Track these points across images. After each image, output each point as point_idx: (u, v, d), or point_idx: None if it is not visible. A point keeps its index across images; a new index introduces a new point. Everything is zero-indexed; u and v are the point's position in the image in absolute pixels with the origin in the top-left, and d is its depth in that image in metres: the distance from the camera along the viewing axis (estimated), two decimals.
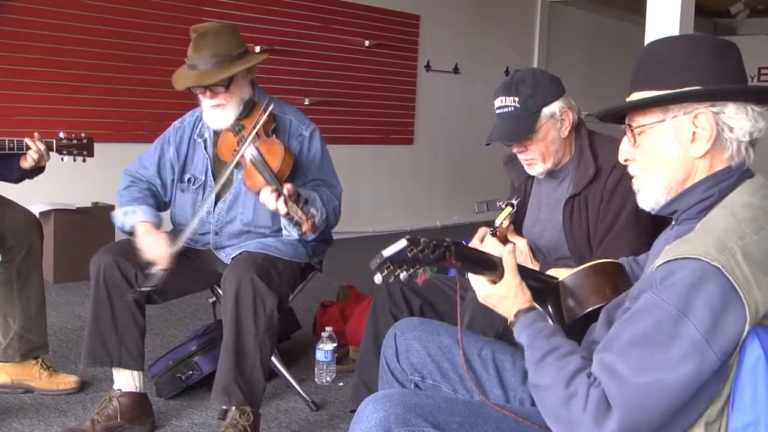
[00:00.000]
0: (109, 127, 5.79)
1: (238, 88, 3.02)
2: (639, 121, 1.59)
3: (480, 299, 1.83)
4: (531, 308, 1.74)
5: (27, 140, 3.19)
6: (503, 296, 1.77)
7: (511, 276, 1.77)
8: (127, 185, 3.19)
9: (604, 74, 10.38)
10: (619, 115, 1.66)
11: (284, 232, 3.02)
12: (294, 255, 3.05)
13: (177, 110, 3.14)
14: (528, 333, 1.66)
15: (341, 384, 3.56)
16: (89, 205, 5.56)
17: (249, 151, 2.87)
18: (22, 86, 5.57)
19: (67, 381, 3.39)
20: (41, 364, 3.39)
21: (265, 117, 2.90)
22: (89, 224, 5.36)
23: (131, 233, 3.04)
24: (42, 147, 3.19)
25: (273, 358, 3.22)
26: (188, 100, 3.23)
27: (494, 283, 1.78)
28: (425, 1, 8.31)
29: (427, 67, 8.50)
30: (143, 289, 2.91)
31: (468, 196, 8.68)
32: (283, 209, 2.75)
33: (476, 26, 8.90)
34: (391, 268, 1.62)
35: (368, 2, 7.73)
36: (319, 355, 3.55)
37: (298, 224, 2.81)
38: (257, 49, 6.64)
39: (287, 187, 2.76)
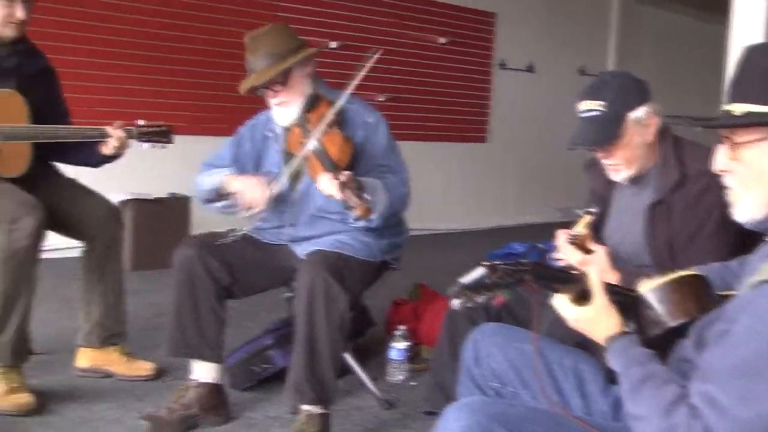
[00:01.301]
0: (186, 120, 5.90)
1: (297, 83, 3.08)
2: (742, 135, 1.55)
3: (568, 322, 1.80)
4: (622, 332, 1.69)
5: (107, 128, 3.28)
6: (592, 319, 1.71)
7: (599, 298, 1.72)
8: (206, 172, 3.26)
9: (681, 75, 10.17)
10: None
11: (349, 219, 3.03)
12: (368, 254, 3.06)
13: (252, 104, 3.20)
14: (622, 361, 1.61)
15: (414, 383, 3.57)
16: (166, 195, 5.67)
17: (311, 143, 2.92)
18: (103, 78, 5.72)
19: (144, 368, 3.48)
20: (120, 351, 3.48)
21: (333, 114, 2.95)
22: (165, 214, 5.48)
23: (219, 194, 3.11)
24: (122, 134, 3.27)
25: (347, 355, 3.25)
26: (260, 98, 3.27)
27: (576, 301, 1.75)
28: None
29: (502, 65, 8.45)
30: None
31: (541, 197, 8.65)
32: (338, 195, 2.77)
33: (551, 24, 8.82)
34: (469, 294, 1.64)
35: None
36: (392, 354, 3.57)
37: (353, 209, 2.81)
38: (332, 44, 6.68)
39: (344, 174, 2.78)
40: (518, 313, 2.71)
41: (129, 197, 5.37)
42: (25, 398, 3.07)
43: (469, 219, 8.17)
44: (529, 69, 8.73)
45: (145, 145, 3.37)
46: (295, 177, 3.11)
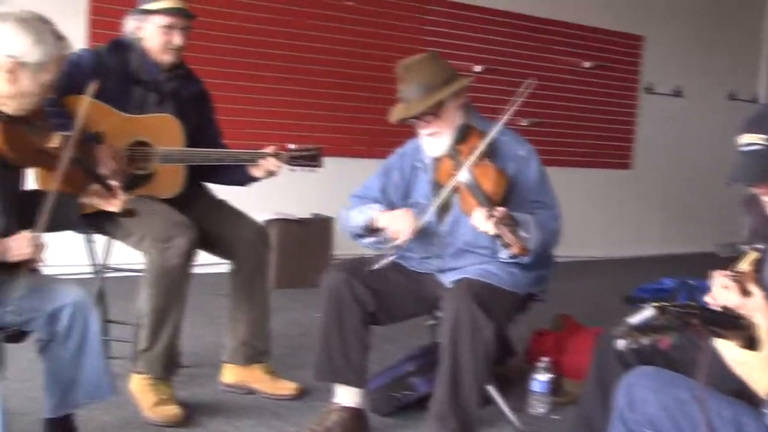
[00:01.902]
0: (329, 141, 5.95)
1: (449, 114, 3.04)
2: None
3: (731, 366, 1.71)
4: None
5: (260, 152, 3.38)
6: (757, 368, 1.64)
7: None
8: (356, 205, 3.27)
9: None
10: None
11: (500, 254, 2.99)
12: (514, 285, 3.01)
13: (397, 127, 3.20)
14: None
15: (556, 417, 3.49)
16: (309, 216, 5.77)
17: (463, 176, 2.87)
18: (252, 101, 5.90)
19: (287, 387, 3.52)
20: (264, 369, 3.54)
21: (484, 146, 2.90)
22: (309, 234, 5.58)
23: (368, 230, 3.11)
24: (274, 159, 3.35)
25: (489, 386, 3.20)
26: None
27: (742, 346, 1.67)
28: (650, 21, 8.05)
29: (648, 89, 8.22)
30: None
31: (686, 227, 8.35)
32: (492, 231, 2.73)
33: (700, 47, 8.48)
34: (635, 335, 1.58)
35: (590, 23, 7.59)
36: (535, 386, 3.50)
37: (508, 246, 2.78)
38: (477, 68, 6.67)
39: (499, 211, 2.74)
40: (672, 356, 2.60)
41: (273, 217, 5.49)
42: (173, 410, 3.16)
43: (610, 247, 7.96)
44: (677, 93, 8.45)
45: (296, 169, 3.43)
46: (444, 209, 3.08)
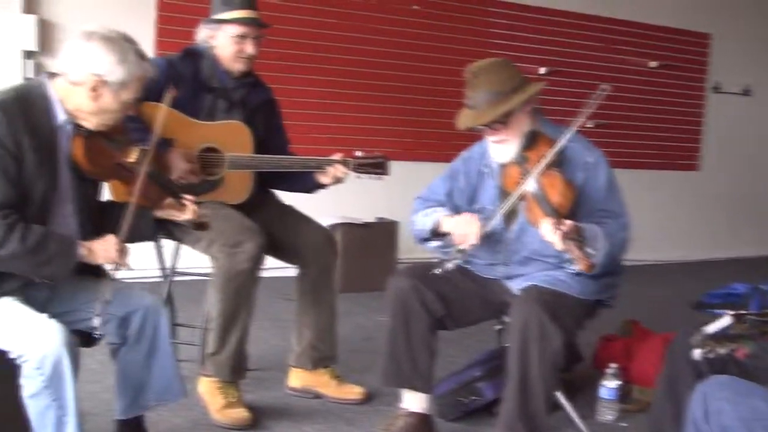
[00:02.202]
0: (394, 146, 6.00)
1: (517, 122, 2.99)
2: None
3: None
4: None
5: (327, 159, 3.41)
6: None
7: None
8: (420, 208, 3.26)
9: None
10: None
11: (567, 264, 2.95)
12: (583, 292, 2.97)
13: (460, 131, 3.18)
14: None
15: (624, 424, 3.44)
16: (374, 220, 5.80)
17: (530, 185, 2.84)
18: (318, 106, 5.96)
19: (354, 392, 3.54)
20: (331, 374, 3.56)
21: (554, 154, 2.86)
22: (373, 238, 5.61)
23: (434, 234, 3.11)
24: (341, 166, 3.37)
25: (557, 392, 3.18)
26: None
27: None
28: (717, 18, 7.90)
29: (716, 89, 8.07)
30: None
31: (756, 229, 8.17)
32: (559, 245, 2.70)
33: None
34: (712, 344, 1.56)
35: (656, 21, 7.48)
36: (603, 392, 3.45)
37: (574, 261, 2.75)
38: (541, 70, 6.62)
39: (566, 224, 2.69)
40: (746, 364, 2.55)
41: (338, 221, 5.52)
42: (241, 413, 3.21)
43: (677, 251, 7.83)
44: (746, 92, 8.27)
45: (362, 176, 3.45)
46: (510, 216, 3.05)
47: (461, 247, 2.93)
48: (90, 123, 2.49)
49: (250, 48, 3.34)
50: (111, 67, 2.41)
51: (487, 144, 3.15)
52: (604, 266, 2.88)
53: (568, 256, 2.82)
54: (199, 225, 2.79)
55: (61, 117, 2.47)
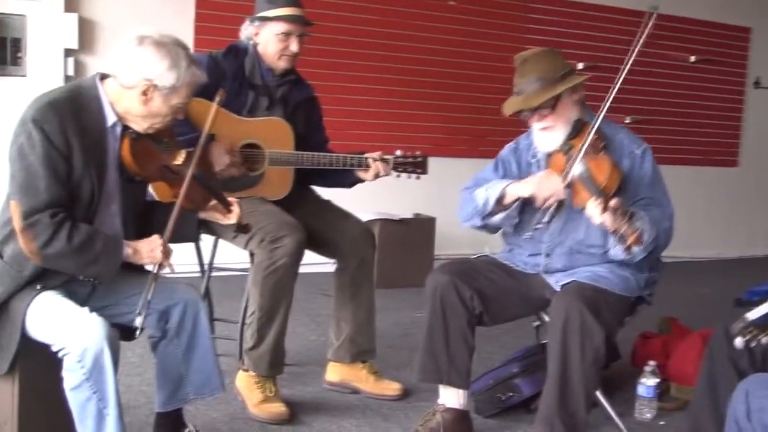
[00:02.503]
0: (432, 142, 6.01)
1: (564, 109, 3.00)
2: None
3: None
4: None
5: (367, 157, 3.41)
6: None
7: None
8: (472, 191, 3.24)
9: None
10: None
11: (611, 251, 2.94)
12: (625, 288, 2.97)
13: (497, 126, 3.18)
14: None
15: (662, 422, 3.42)
16: (411, 216, 5.81)
17: (577, 168, 2.85)
18: (359, 102, 5.97)
19: (392, 387, 3.54)
20: (368, 368, 3.58)
21: (591, 136, 2.86)
22: (410, 234, 5.62)
23: (498, 206, 3.08)
24: (381, 164, 3.38)
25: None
26: (507, 121, 3.25)
27: None
28: (757, 11, 7.77)
29: (756, 84, 7.95)
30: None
31: None
32: (609, 221, 2.69)
33: None
34: (755, 332, 1.54)
35: (695, 15, 7.39)
36: (641, 390, 3.43)
37: (623, 238, 2.71)
38: (580, 65, 6.59)
39: (614, 201, 2.69)
40: None
41: (375, 217, 5.53)
42: (279, 407, 3.23)
43: (715, 248, 7.73)
44: None
45: (401, 174, 3.46)
46: (558, 206, 3.05)
47: (547, 205, 2.95)
48: (139, 126, 2.52)
49: (294, 46, 3.36)
50: (162, 72, 2.44)
51: (532, 136, 3.15)
52: (648, 252, 2.87)
53: (613, 241, 2.82)
54: (243, 227, 2.81)
55: (111, 119, 2.50)
